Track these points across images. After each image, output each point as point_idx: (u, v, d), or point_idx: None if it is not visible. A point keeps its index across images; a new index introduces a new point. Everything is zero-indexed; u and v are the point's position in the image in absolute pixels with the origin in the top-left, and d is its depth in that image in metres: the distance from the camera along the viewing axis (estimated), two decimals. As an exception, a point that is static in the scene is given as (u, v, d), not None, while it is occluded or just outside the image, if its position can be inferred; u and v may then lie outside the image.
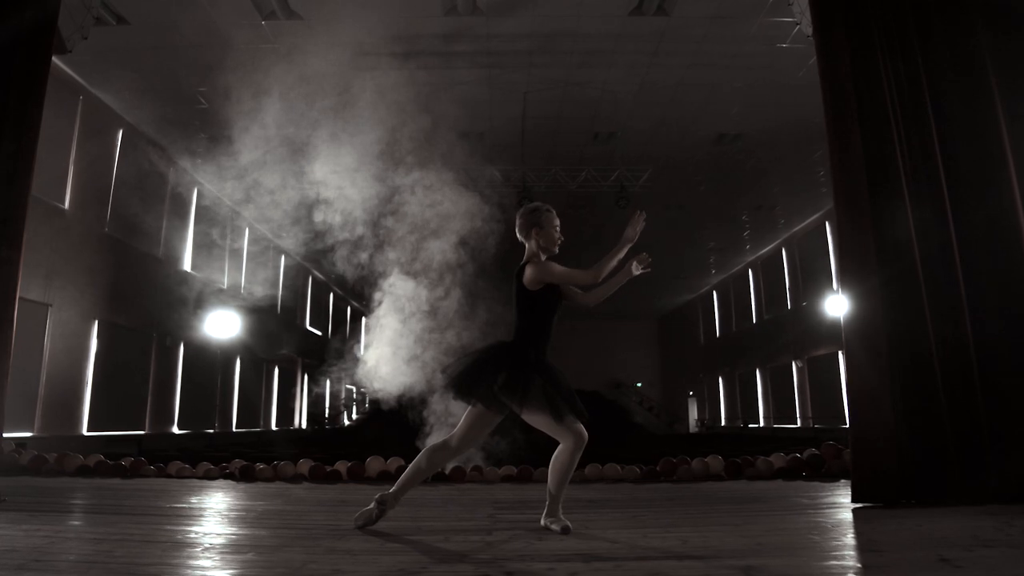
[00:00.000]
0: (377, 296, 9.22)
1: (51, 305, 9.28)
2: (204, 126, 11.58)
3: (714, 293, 25.09)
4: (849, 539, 2.92)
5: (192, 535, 3.09)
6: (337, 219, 8.72)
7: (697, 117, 11.75)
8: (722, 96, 10.94)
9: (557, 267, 3.18)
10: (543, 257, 3.30)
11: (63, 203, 9.63)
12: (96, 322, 10.28)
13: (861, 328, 4.05)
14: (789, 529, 3.19)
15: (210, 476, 5.70)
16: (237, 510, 3.94)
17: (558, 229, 3.36)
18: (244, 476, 5.68)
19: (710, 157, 13.37)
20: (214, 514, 3.72)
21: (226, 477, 5.70)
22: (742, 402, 22.30)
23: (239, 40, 9.13)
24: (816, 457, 5.79)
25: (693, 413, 27.94)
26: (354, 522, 3.20)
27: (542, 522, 3.21)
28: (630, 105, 11.41)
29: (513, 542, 2.93)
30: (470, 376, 3.11)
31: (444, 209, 8.71)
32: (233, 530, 3.25)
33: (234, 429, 15.35)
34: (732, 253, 21.08)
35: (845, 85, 4.29)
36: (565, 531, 3.08)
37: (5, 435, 8.13)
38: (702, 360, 26.46)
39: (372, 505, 3.21)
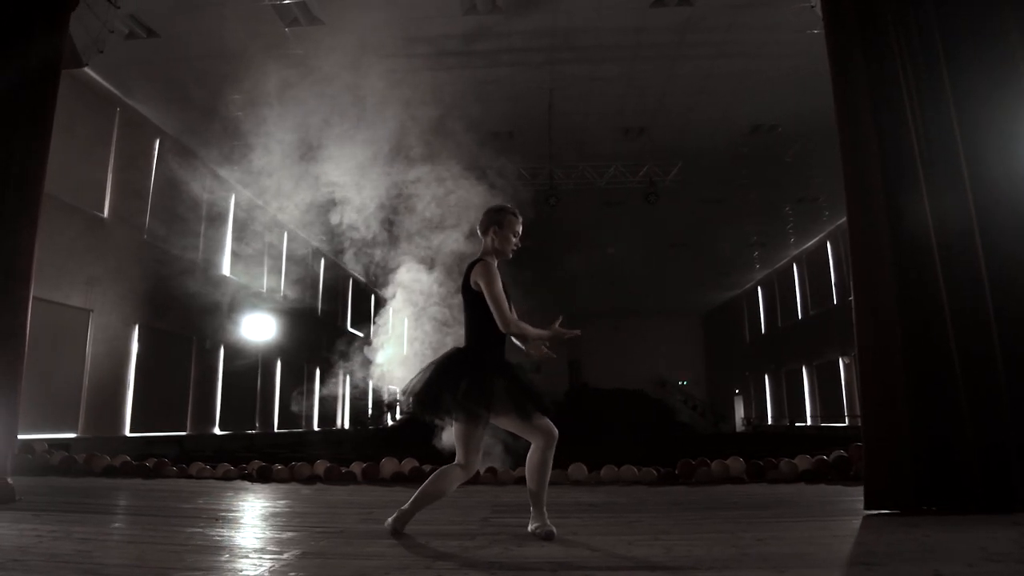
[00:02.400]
0: (418, 299, 9.32)
1: (92, 311, 9.61)
2: (237, 133, 11.84)
3: (758, 289, 24.48)
4: (844, 550, 2.76)
5: (178, 536, 3.12)
6: (370, 222, 8.83)
7: (729, 108, 11.45)
8: (754, 86, 10.63)
9: (498, 287, 3.06)
10: (495, 260, 3.23)
11: (102, 212, 9.96)
12: (136, 326, 10.61)
13: (875, 324, 3.85)
14: (785, 538, 3.03)
15: (228, 477, 5.80)
16: (236, 511, 3.98)
17: (518, 235, 3.27)
18: (261, 477, 5.75)
19: (746, 149, 13.02)
20: (211, 516, 3.76)
21: (244, 478, 5.78)
22: (789, 400, 21.69)
23: (264, 48, 9.29)
24: (843, 459, 5.54)
25: (739, 412, 27.32)
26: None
27: (529, 528, 3.14)
28: (658, 99, 11.20)
29: (490, 547, 2.87)
30: (432, 391, 3.02)
31: (470, 211, 8.72)
32: (220, 532, 3.27)
33: (276, 430, 15.65)
34: (776, 247, 20.53)
35: (856, 64, 4.08)
36: (548, 537, 3.00)
37: (47, 436, 8.49)
38: (748, 357, 25.84)
39: (388, 526, 3.17)
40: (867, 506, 3.66)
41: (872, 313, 3.86)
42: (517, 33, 9.47)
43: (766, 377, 23.78)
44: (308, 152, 9.14)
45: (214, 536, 3.16)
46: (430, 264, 7.77)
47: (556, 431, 3.06)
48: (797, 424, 20.22)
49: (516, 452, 8.03)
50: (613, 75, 10.56)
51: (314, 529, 3.42)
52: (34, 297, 8.41)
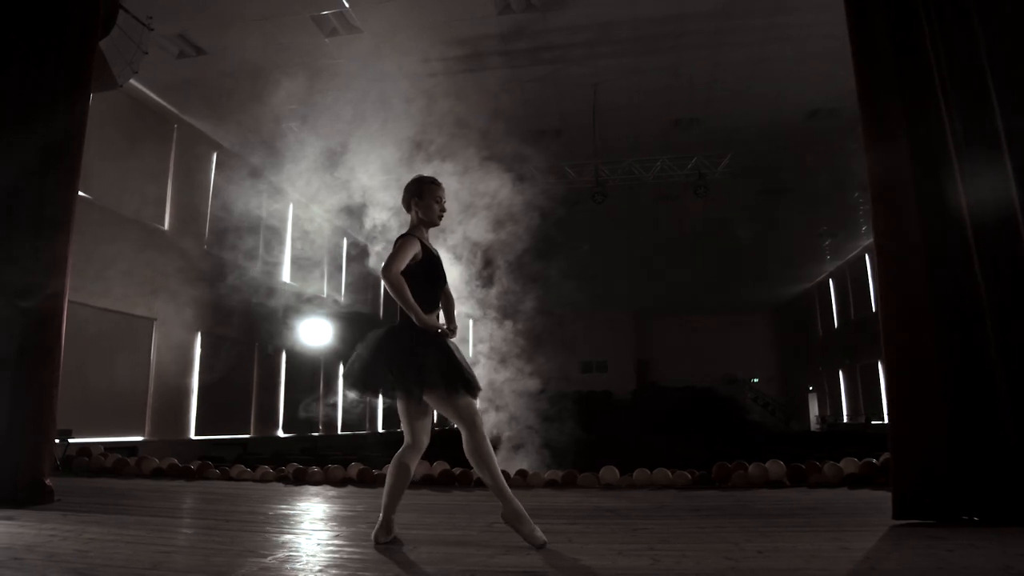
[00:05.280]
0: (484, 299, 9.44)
1: (156, 319, 10.09)
2: (291, 143, 12.20)
3: (830, 281, 23.40)
4: (845, 567, 2.54)
5: (179, 538, 3.20)
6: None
7: (783, 94, 10.98)
8: (807, 70, 10.14)
9: (406, 251, 3.01)
10: (425, 231, 3.22)
11: (163, 224, 10.44)
12: (199, 334, 11.06)
13: (906, 319, 3.57)
14: (790, 550, 2.84)
15: (266, 479, 5.94)
16: (252, 513, 4.04)
17: (441, 202, 3.25)
18: (296, 479, 5.87)
19: (805, 135, 12.45)
20: (221, 519, 3.84)
21: (280, 480, 5.92)
22: (864, 396, 20.63)
23: (307, 59, 9.55)
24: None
25: (814, 409, 26.20)
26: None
27: (502, 515, 3.01)
28: (707, 88, 10.86)
29: (474, 556, 2.81)
30: (370, 371, 2.99)
31: (514, 210, 8.73)
32: (223, 533, 3.32)
33: (339, 432, 16.02)
34: (847, 237, 19.57)
35: (879, 37, 3.84)
36: (541, 546, 2.89)
37: (115, 439, 8.96)
38: (821, 352, 24.76)
39: (371, 539, 3.09)
40: (896, 515, 3.40)
41: (902, 308, 3.58)
42: (555, 30, 9.37)
43: (840, 373, 22.73)
44: (357, 157, 9.32)
45: (214, 537, 3.22)
46: (460, 256, 7.87)
47: (480, 417, 3.00)
48: (873, 422, 19.22)
49: (556, 449, 7.95)
50: (657, 66, 10.30)
51: (316, 532, 3.45)
52: (100, 308, 8.93)
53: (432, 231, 3.34)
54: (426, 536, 3.31)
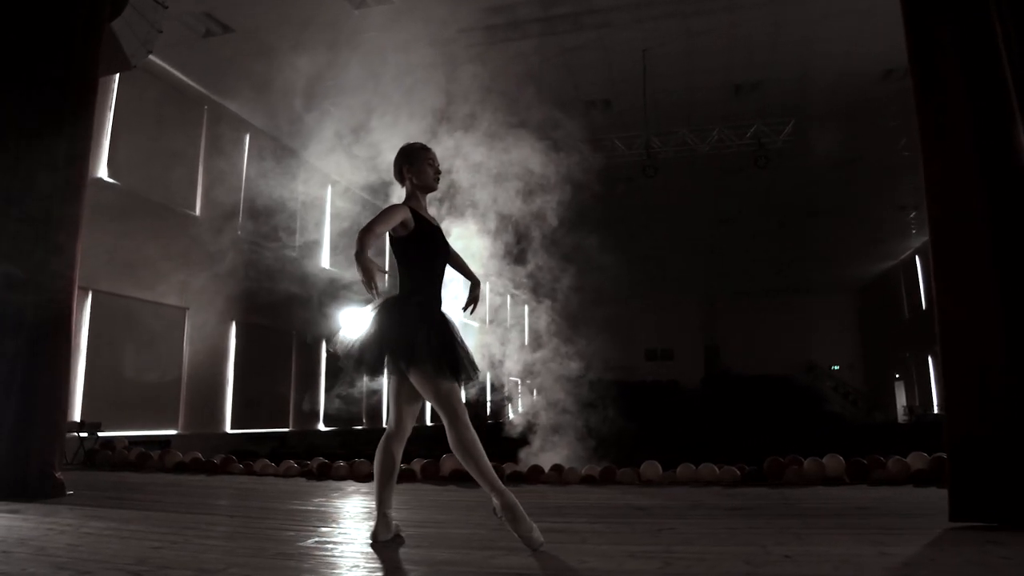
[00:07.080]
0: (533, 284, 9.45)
1: (188, 308, 10.41)
2: (327, 122, 12.33)
3: (917, 258, 22.38)
4: (877, 574, 2.40)
5: (173, 534, 3.26)
6: (469, 207, 8.95)
7: (852, 53, 10.50)
8: (880, 25, 9.61)
9: (389, 213, 2.93)
10: (421, 199, 3.17)
11: (194, 210, 10.74)
12: (233, 323, 11.37)
13: (964, 296, 3.37)
14: (820, 555, 2.70)
15: (290, 474, 6.06)
16: (258, 510, 4.12)
17: (434, 163, 3.19)
18: (320, 474, 5.97)
19: (880, 98, 11.86)
20: (227, 515, 3.93)
21: (304, 475, 6.03)
22: (958, 386, 19.69)
23: (336, 33, 9.60)
24: (967, 458, 4.91)
25: (901, 399, 25.22)
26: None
27: (493, 505, 2.92)
28: (768, 51, 10.47)
29: (473, 555, 2.79)
30: (369, 348, 2.94)
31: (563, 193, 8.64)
32: (222, 529, 3.39)
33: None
34: (935, 210, 18.70)
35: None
36: (535, 547, 2.82)
37: (148, 433, 9.31)
38: (908, 337, 23.75)
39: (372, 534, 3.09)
40: (953, 517, 3.20)
41: (959, 281, 3.38)
42: (596, -9, 9.21)
43: (929, 359, 21.77)
44: (395, 133, 9.35)
45: (212, 533, 3.29)
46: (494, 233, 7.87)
47: (463, 406, 2.93)
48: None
49: (602, 436, 7.86)
50: (712, 28, 9.99)
51: (319, 529, 3.48)
52: (129, 297, 9.25)
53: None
54: (432, 534, 3.31)
